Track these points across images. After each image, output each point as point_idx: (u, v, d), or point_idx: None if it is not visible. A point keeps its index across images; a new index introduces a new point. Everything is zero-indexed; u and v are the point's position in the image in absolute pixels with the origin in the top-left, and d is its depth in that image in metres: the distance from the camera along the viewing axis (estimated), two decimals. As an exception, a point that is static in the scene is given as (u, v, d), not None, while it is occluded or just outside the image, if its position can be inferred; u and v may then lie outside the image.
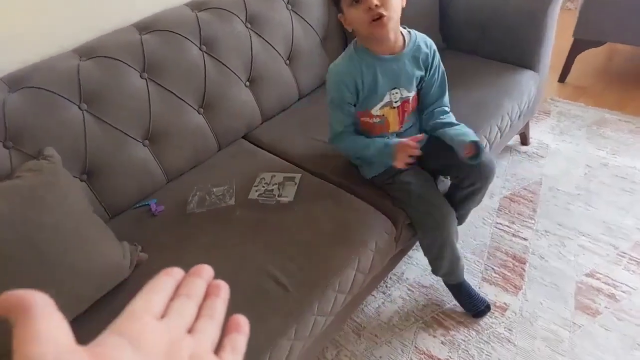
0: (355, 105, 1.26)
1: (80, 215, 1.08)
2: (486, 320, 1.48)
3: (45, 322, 0.23)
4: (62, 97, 1.22)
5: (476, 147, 1.19)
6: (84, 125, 1.25)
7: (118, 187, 1.34)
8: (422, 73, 1.25)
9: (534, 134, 2.23)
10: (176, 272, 0.33)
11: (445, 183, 1.44)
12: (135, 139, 1.36)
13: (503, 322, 1.46)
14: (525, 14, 1.76)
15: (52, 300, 0.24)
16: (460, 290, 1.49)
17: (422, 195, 1.28)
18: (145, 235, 1.23)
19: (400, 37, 1.20)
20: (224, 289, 0.34)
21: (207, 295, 0.33)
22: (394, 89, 1.22)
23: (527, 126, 2.10)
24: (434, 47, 1.25)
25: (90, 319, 1.01)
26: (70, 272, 0.99)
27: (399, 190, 1.30)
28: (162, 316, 0.29)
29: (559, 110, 2.42)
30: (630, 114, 2.32)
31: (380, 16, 1.06)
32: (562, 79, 2.66)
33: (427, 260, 1.41)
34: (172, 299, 0.31)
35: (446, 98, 1.34)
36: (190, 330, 0.30)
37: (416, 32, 1.25)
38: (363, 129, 1.31)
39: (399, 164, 1.17)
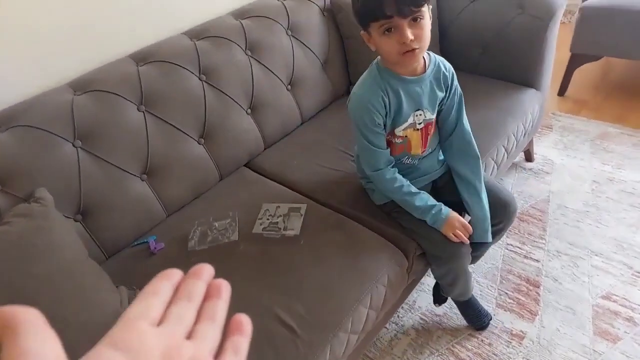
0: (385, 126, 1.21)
1: (74, 262, 1.01)
2: (503, 349, 1.42)
3: (34, 338, 0.23)
4: (55, 134, 1.17)
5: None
6: (78, 163, 1.20)
7: (115, 226, 1.28)
8: (443, 94, 1.21)
9: (538, 150, 2.20)
10: (174, 275, 0.32)
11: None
12: (132, 174, 1.31)
13: (521, 352, 1.40)
14: (526, 33, 1.74)
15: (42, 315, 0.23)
16: (468, 306, 1.48)
17: (431, 228, 1.22)
18: (144, 277, 1.14)
19: (422, 59, 1.17)
20: (225, 290, 0.33)
21: (207, 297, 0.32)
22: (418, 110, 1.18)
23: (531, 142, 2.07)
24: (452, 69, 1.22)
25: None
26: (64, 326, 0.92)
27: (410, 221, 1.25)
28: (160, 322, 0.28)
29: (562, 124, 2.40)
30: (632, 127, 2.30)
31: (413, 49, 1.04)
32: (561, 92, 2.65)
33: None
34: (170, 302, 0.30)
35: (466, 126, 1.27)
36: (189, 335, 0.29)
37: (434, 53, 1.21)
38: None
39: (448, 234, 1.19)
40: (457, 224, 1.19)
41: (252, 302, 1.08)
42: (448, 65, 1.22)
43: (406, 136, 1.21)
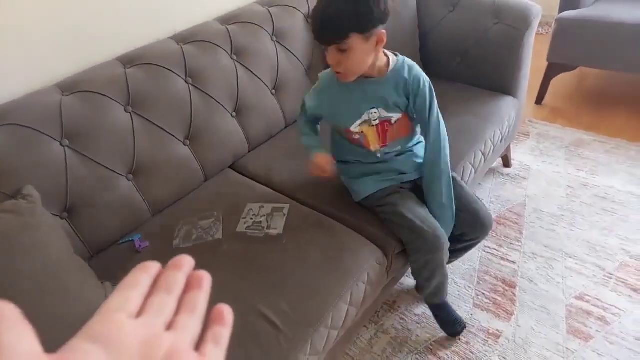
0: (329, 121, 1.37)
1: (60, 259, 1.03)
2: (480, 348, 1.46)
3: (9, 333, 0.22)
4: (43, 133, 1.19)
5: None
6: (65, 161, 1.22)
7: (101, 224, 1.30)
8: (405, 100, 1.24)
9: (515, 156, 2.27)
10: (152, 267, 0.31)
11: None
12: (118, 174, 1.33)
13: (497, 350, 1.45)
14: (502, 42, 1.81)
15: (18, 308, 0.23)
16: (441, 309, 1.52)
17: (413, 219, 1.27)
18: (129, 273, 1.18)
19: (382, 63, 1.21)
20: (205, 281, 0.32)
21: (187, 289, 0.31)
22: (373, 108, 1.25)
23: (508, 149, 2.13)
24: (421, 77, 1.24)
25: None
26: (50, 322, 0.94)
27: (390, 213, 1.30)
28: (139, 313, 0.28)
29: (538, 131, 2.48)
30: (605, 134, 2.39)
31: (338, 72, 1.17)
32: (538, 101, 2.74)
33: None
34: (149, 294, 0.30)
35: (436, 124, 1.28)
36: (169, 326, 0.29)
37: (405, 59, 1.25)
38: (350, 144, 1.35)
39: (311, 171, 1.34)
40: (318, 166, 1.32)
41: (235, 299, 1.09)
42: (416, 73, 1.23)
43: (362, 132, 1.28)
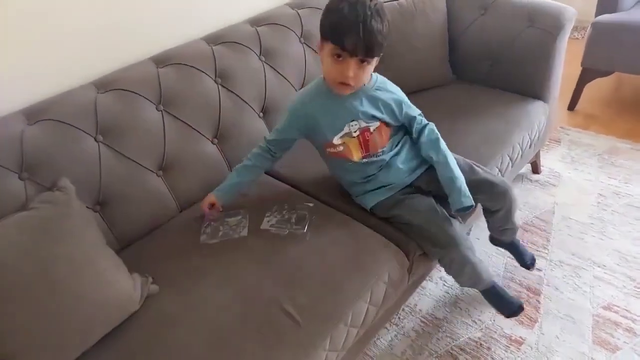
0: (311, 138, 1.37)
1: (93, 246, 1.08)
2: (501, 354, 1.44)
3: None
4: (79, 129, 1.25)
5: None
6: (99, 156, 1.27)
7: (131, 218, 1.35)
8: (383, 115, 1.30)
9: (545, 163, 2.23)
10: None
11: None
12: (149, 169, 1.37)
13: (519, 357, 1.43)
14: (534, 46, 1.78)
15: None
16: (490, 294, 1.48)
17: (418, 226, 1.29)
18: (157, 267, 1.23)
19: None
20: None
21: None
22: (353, 121, 1.28)
23: (538, 155, 2.09)
24: (398, 92, 1.34)
25: (97, 355, 1.01)
26: (82, 303, 0.99)
27: (400, 221, 1.32)
28: None
29: (570, 138, 2.42)
30: (641, 142, 2.32)
31: (348, 84, 1.17)
32: (571, 107, 2.67)
33: (440, 292, 1.40)
34: None
35: (419, 124, 1.36)
36: None
37: (378, 76, 1.33)
38: (332, 158, 1.36)
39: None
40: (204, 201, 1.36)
41: (258, 292, 1.13)
42: (387, 87, 1.32)
43: (344, 143, 1.30)
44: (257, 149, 1.40)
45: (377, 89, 1.30)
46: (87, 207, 1.24)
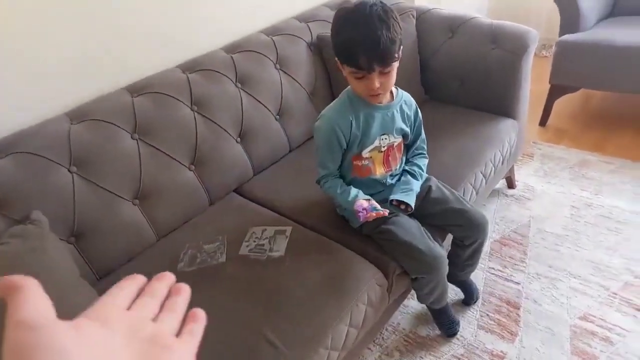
0: (346, 149, 1.30)
1: (66, 282, 1.07)
2: (484, 370, 1.46)
3: (34, 296, 0.27)
4: (52, 160, 1.24)
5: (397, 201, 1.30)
6: (73, 187, 1.26)
7: (107, 248, 1.33)
8: (407, 128, 1.34)
9: (519, 177, 2.28)
10: (139, 278, 0.37)
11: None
12: (125, 199, 1.37)
13: (501, 372, 1.44)
14: (500, 67, 1.85)
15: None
16: (442, 313, 1.55)
17: (407, 243, 1.29)
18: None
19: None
20: (185, 290, 0.38)
21: (169, 295, 0.37)
22: (384, 134, 1.30)
23: (512, 170, 2.15)
24: (415, 105, 1.37)
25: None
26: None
27: (385, 240, 1.33)
28: (128, 310, 0.33)
29: (542, 153, 2.49)
30: (610, 154, 2.40)
31: (378, 94, 1.19)
32: (543, 122, 2.75)
33: (422, 309, 1.43)
34: (136, 298, 0.35)
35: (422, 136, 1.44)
36: (153, 320, 0.34)
37: (398, 89, 1.34)
38: (354, 169, 1.34)
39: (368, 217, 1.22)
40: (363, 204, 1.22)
41: (237, 320, 1.12)
42: (410, 102, 1.35)
43: (371, 157, 1.32)
44: (331, 181, 1.32)
45: (404, 101, 1.32)
46: (61, 239, 1.22)
